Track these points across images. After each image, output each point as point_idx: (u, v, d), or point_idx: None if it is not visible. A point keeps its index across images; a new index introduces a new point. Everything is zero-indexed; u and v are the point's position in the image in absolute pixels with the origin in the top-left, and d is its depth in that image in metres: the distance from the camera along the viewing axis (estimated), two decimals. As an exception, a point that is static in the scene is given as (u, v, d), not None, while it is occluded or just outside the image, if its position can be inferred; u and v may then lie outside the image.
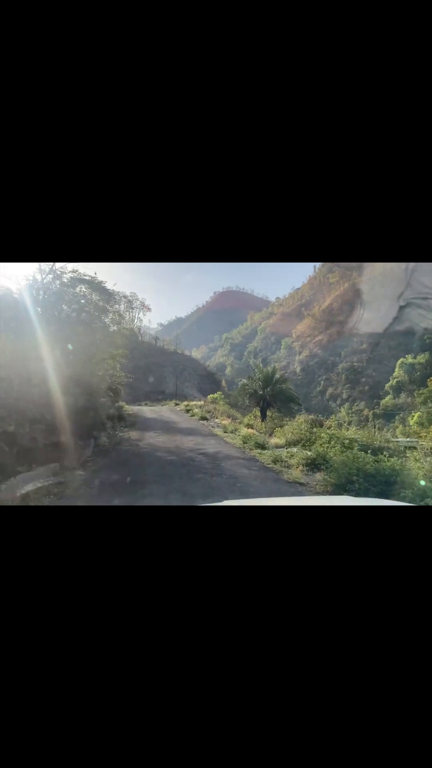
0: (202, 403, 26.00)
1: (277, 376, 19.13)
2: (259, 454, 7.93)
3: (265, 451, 8.22)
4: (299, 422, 11.67)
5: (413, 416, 62.23)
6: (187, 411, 20.40)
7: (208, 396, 30.88)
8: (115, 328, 14.69)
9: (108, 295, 13.15)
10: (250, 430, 11.71)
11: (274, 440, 9.22)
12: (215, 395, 29.74)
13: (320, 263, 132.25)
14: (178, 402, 31.31)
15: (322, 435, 8.43)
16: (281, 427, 12.48)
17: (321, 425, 11.65)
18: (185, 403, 27.29)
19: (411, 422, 61.83)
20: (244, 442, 9.26)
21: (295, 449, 8.54)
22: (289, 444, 9.05)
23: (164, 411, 22.47)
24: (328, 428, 10.99)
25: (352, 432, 9.16)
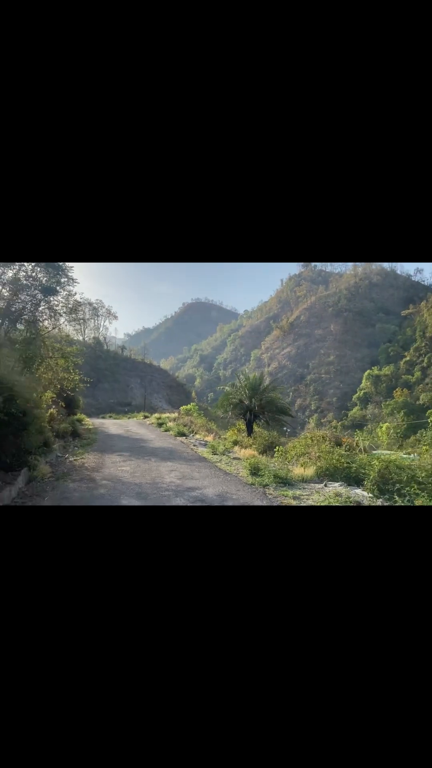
0: (175, 415, 22.72)
1: (266, 383, 16.26)
2: (293, 499, 4.85)
3: (299, 492, 5.16)
4: (317, 438, 8.72)
5: (381, 427, 61.74)
6: (160, 425, 17.02)
7: (181, 407, 27.67)
8: (67, 319, 11.25)
9: (58, 273, 9.79)
10: (249, 452, 8.60)
11: (297, 470, 6.19)
12: (189, 406, 26.53)
13: (287, 278, 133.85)
14: (147, 414, 27.59)
15: (373, 462, 5.49)
16: (280, 445, 9.49)
17: (340, 444, 8.76)
18: (156, 415, 23.80)
19: (379, 433, 61.32)
20: (254, 473, 6.15)
21: (337, 485, 5.54)
22: (323, 476, 6.05)
23: (132, 424, 19.04)
24: (357, 449, 8.09)
25: (406, 455, 6.32)
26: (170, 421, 17.36)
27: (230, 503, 4.65)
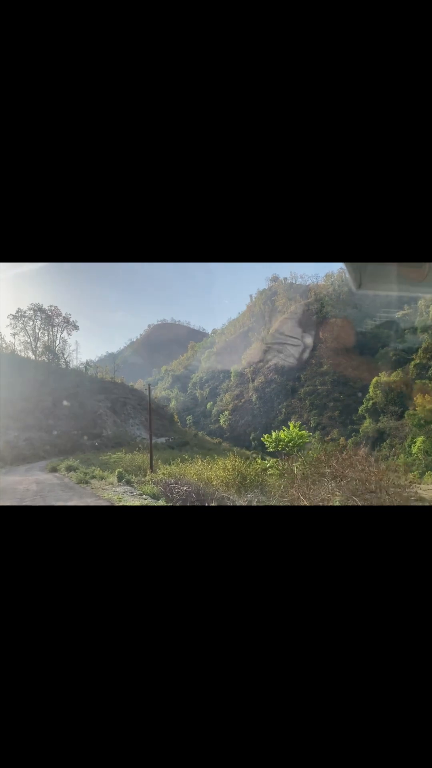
0: (225, 463, 7.58)
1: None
2: None
3: None
4: None
5: (416, 442, 48.57)
6: None
7: (268, 437, 12.90)
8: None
9: None
10: None
11: None
12: (293, 430, 11.82)
13: (256, 292, 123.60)
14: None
15: None
16: None
17: None
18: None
19: (414, 449, 47.97)
20: None
21: None
22: None
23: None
24: None
25: None
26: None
27: None
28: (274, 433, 13.09)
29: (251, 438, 76.92)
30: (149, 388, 21.64)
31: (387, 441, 53.80)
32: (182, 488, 7.50)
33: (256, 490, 7.17)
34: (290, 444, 11.61)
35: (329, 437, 64.59)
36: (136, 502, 7.23)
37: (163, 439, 41.29)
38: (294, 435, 11.95)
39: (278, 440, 12.30)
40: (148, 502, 8.42)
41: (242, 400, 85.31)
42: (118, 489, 9.52)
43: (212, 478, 8.67)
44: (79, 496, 9.48)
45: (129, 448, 23.59)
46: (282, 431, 12.96)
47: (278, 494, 6.17)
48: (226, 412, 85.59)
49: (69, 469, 14.83)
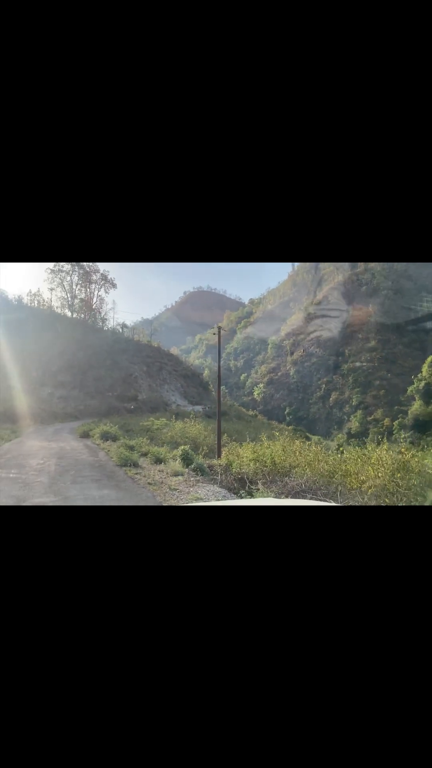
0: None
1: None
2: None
3: None
4: None
5: None
6: None
7: None
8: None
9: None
10: None
11: None
12: None
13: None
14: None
15: None
16: None
17: None
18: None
19: None
20: None
21: None
22: None
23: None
24: None
25: None
26: None
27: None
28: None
29: (286, 413, 73.05)
30: (219, 330, 17.56)
31: (441, 426, 48.50)
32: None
33: None
34: None
35: (372, 417, 59.68)
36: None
37: (200, 407, 38.37)
38: None
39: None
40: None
41: (278, 374, 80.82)
42: (200, 491, 4.93)
43: (353, 479, 5.29)
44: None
45: (170, 414, 20.67)
46: None
47: None
48: (261, 385, 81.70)
49: (105, 436, 11.31)
